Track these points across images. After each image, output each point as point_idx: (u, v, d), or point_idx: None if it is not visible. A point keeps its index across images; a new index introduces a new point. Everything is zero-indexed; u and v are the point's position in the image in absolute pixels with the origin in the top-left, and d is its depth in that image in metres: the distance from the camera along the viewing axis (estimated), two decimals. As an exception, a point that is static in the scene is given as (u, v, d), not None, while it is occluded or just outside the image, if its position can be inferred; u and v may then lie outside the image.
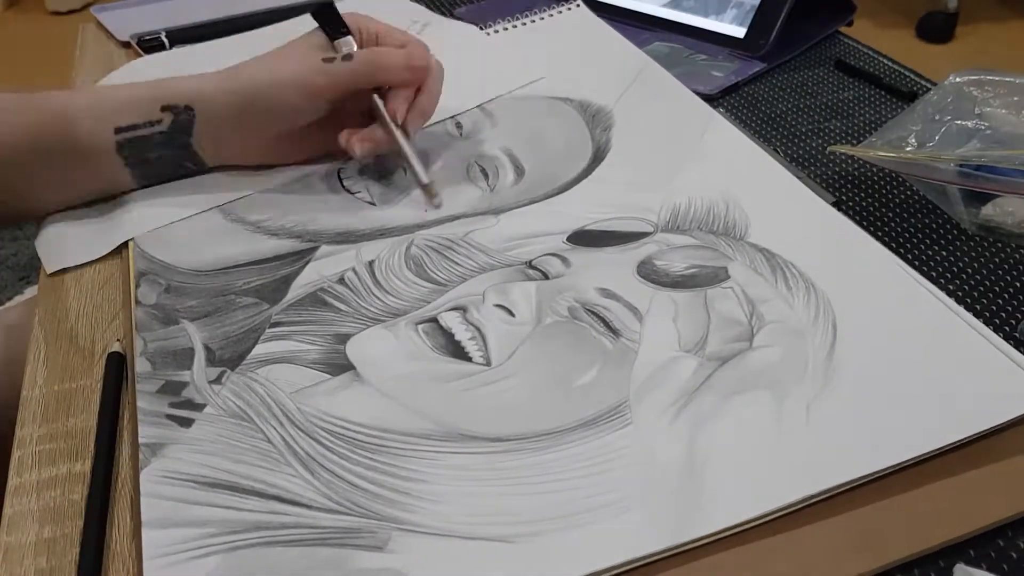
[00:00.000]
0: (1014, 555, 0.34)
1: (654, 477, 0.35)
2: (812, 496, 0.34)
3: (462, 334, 0.43)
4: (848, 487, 0.35)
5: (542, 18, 0.74)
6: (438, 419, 0.38)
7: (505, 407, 0.39)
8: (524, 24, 0.73)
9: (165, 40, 0.76)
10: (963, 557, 0.34)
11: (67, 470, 0.38)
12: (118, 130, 0.51)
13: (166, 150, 0.52)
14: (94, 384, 0.42)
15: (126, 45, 0.77)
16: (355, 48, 0.53)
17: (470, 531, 0.33)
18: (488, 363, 0.41)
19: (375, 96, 0.54)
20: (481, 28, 0.73)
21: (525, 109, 0.62)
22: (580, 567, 0.32)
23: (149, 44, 0.75)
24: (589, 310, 0.44)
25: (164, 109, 0.51)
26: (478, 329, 0.43)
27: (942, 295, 0.43)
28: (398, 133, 0.53)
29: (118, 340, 0.44)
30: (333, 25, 0.54)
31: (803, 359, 0.40)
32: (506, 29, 0.73)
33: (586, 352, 0.41)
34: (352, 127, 0.54)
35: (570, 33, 0.71)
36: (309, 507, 0.35)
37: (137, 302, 0.46)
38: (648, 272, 0.46)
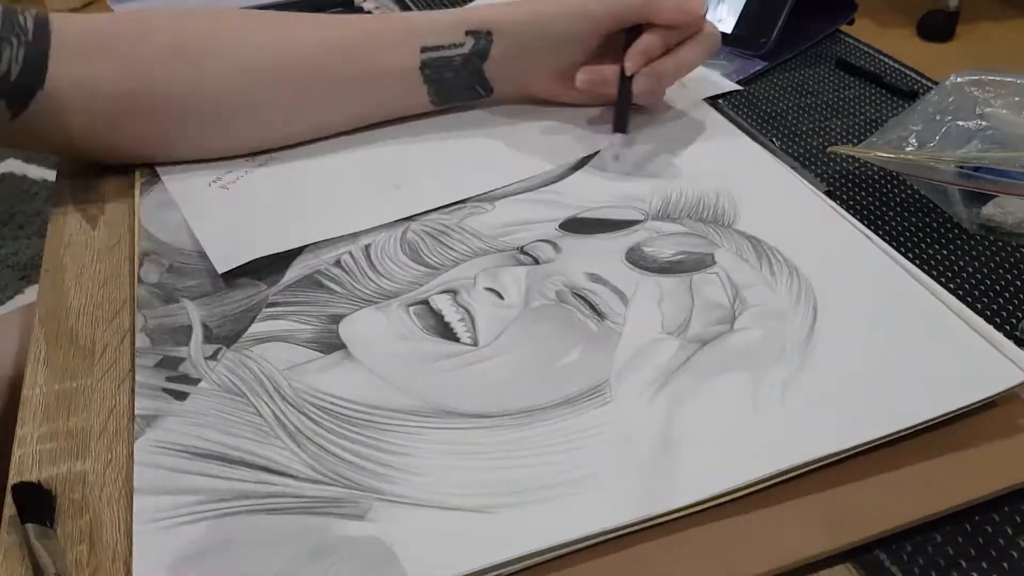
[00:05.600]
0: (1015, 555, 0.34)
1: (628, 453, 0.36)
2: (782, 472, 0.35)
3: (452, 315, 0.43)
4: (820, 464, 0.35)
5: None
6: (424, 396, 0.39)
7: (489, 385, 0.40)
8: None
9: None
10: (964, 556, 0.34)
11: (67, 469, 0.38)
12: (424, 49, 0.55)
13: (462, 71, 0.56)
14: (94, 384, 0.42)
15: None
16: None
17: (448, 502, 0.34)
18: (475, 343, 0.42)
19: (626, 33, 0.55)
20: None
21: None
22: (551, 538, 0.33)
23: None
24: (576, 294, 0.44)
25: (468, 33, 0.55)
26: (467, 311, 0.43)
27: (924, 277, 0.43)
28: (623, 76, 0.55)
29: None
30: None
31: (781, 341, 0.41)
32: None
33: (571, 334, 0.42)
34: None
35: None
36: (295, 478, 0.36)
37: (140, 280, 0.46)
38: (636, 258, 0.46)
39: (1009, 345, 0.39)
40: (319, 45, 0.55)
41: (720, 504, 0.34)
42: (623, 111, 0.55)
